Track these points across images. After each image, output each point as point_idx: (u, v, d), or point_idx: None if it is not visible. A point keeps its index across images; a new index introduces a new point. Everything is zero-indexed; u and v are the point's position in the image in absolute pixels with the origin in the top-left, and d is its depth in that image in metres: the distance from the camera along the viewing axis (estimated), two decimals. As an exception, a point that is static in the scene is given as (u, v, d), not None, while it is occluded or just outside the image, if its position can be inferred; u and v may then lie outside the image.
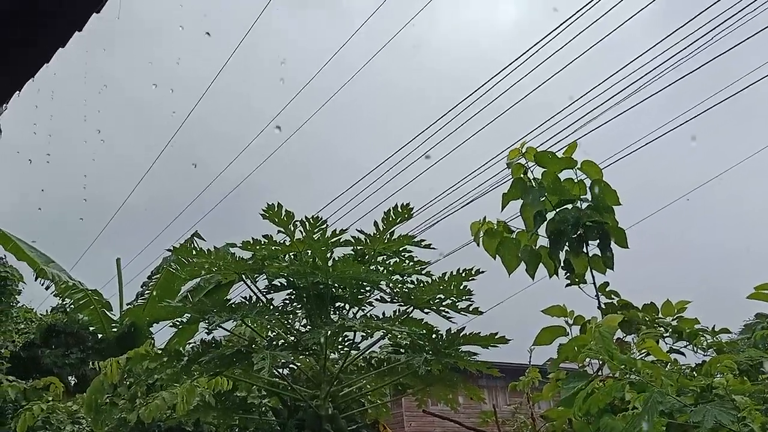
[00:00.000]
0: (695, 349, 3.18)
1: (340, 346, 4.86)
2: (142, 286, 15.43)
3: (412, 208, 4.38)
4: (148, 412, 6.13)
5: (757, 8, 8.00)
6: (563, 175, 3.15)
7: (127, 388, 6.97)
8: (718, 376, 2.60)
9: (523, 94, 10.72)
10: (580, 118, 9.86)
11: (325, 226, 4.13)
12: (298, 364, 5.35)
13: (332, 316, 4.50)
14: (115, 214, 16.89)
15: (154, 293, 14.36)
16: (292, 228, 4.12)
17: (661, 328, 3.26)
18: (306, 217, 4.06)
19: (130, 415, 6.48)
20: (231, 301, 4.42)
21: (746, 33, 8.19)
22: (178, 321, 4.67)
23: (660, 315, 3.44)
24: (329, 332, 4.29)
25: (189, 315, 4.45)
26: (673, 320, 3.35)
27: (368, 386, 5.54)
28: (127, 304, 15.42)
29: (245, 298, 4.43)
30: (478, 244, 3.66)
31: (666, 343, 3.35)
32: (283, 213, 4.06)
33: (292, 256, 4.28)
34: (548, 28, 9.81)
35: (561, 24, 9.59)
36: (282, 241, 4.25)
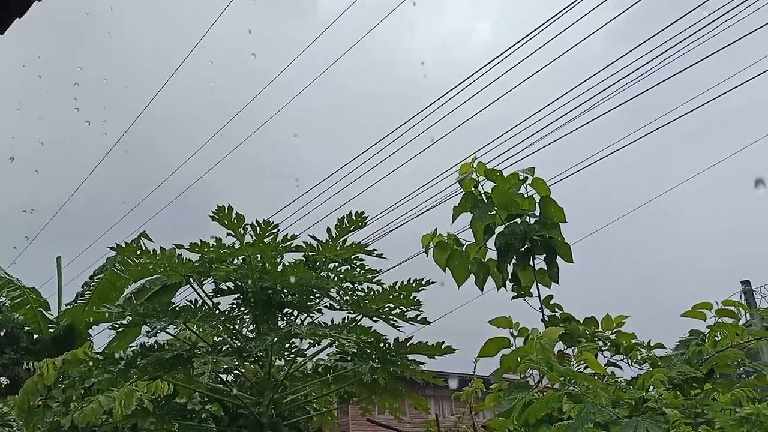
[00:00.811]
0: (631, 362, 3.28)
1: (286, 353, 4.81)
2: (83, 286, 14.90)
3: (366, 217, 4.39)
4: (82, 416, 5.91)
5: (710, 31, 8.36)
6: (518, 190, 3.22)
7: (62, 391, 6.71)
8: (652, 389, 2.70)
9: (481, 108, 10.90)
10: (533, 134, 10.11)
11: (276, 230, 4.10)
12: (242, 370, 5.26)
13: (279, 323, 4.46)
14: (59, 211, 16.30)
15: (95, 294, 13.89)
16: (243, 231, 4.07)
17: (600, 342, 3.35)
18: (257, 221, 4.02)
19: (64, 419, 6.23)
20: (175, 305, 4.32)
21: (699, 54, 8.57)
22: (118, 324, 4.52)
23: (600, 329, 3.54)
24: (275, 339, 4.24)
25: (130, 318, 4.32)
26: (611, 334, 3.45)
27: (313, 394, 5.49)
28: (66, 305, 14.85)
29: (190, 301, 4.34)
30: (428, 256, 3.70)
31: (604, 357, 3.45)
32: (234, 216, 4.01)
33: (241, 260, 4.23)
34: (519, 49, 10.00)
35: (520, 41, 9.81)
36: (231, 245, 4.19)
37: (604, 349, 3.42)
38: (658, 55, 8.96)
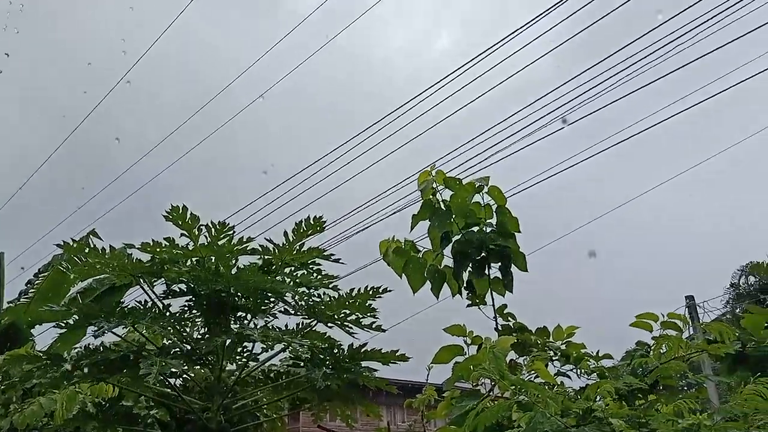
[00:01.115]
0: (580, 373, 3.35)
1: (237, 357, 4.73)
2: (27, 284, 14.34)
3: (325, 221, 4.36)
4: (22, 418, 5.67)
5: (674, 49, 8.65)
6: (472, 199, 3.25)
7: (0, 392, 6.44)
8: (599, 399, 2.76)
9: (443, 117, 11.01)
10: (497, 143, 10.25)
11: (232, 232, 4.03)
12: (192, 374, 5.15)
13: (232, 326, 4.39)
14: (3, 206, 15.67)
15: (40, 292, 13.39)
16: (197, 232, 3.99)
17: (551, 352, 3.41)
18: (212, 222, 3.95)
19: (2, 421, 5.98)
20: (124, 305, 4.20)
21: (662, 71, 8.86)
22: (63, 323, 4.36)
23: (551, 339, 3.61)
24: (227, 341, 4.17)
25: (76, 317, 4.18)
26: (562, 344, 3.52)
27: (264, 399, 5.42)
28: (8, 302, 14.27)
29: (140, 302, 4.23)
30: (388, 263, 3.70)
31: (555, 366, 3.52)
32: (188, 216, 3.93)
33: (194, 261, 4.14)
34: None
35: (485, 51, 9.94)
36: (185, 245, 4.11)
37: (554, 358, 3.48)
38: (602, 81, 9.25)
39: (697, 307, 16.45)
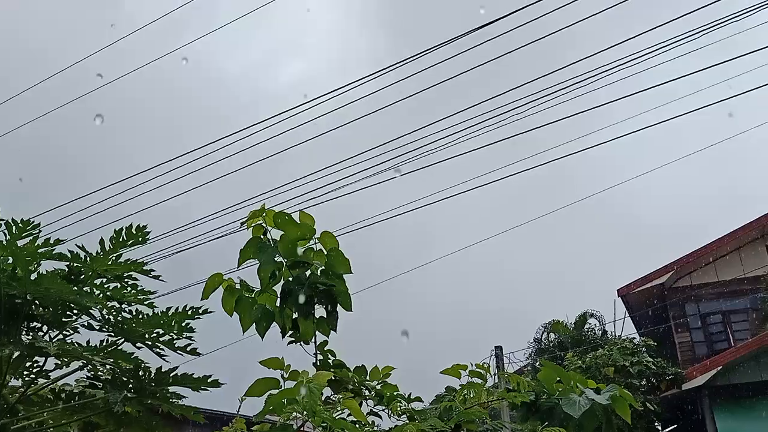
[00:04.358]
0: (391, 413, 3.43)
1: (25, 372, 4.19)
2: None
3: (149, 232, 4.06)
4: None
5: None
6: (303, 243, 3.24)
7: None
8: (405, 440, 2.83)
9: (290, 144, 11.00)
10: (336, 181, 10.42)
11: (37, 232, 3.60)
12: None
13: (24, 337, 3.89)
14: None
15: None
16: (-5, 227, 3.51)
17: (366, 391, 3.46)
18: (14, 219, 3.50)
19: None
20: None
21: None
22: None
23: (368, 378, 3.66)
24: (14, 353, 3.68)
25: None
26: (378, 384, 3.58)
27: (51, 421, 4.83)
28: None
29: None
30: (211, 298, 3.55)
31: (368, 405, 3.56)
32: (-14, 208, 3.45)
33: (-14, 260, 3.63)
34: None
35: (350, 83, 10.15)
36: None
37: (368, 397, 3.53)
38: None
39: (504, 358, 17.82)
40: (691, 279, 20.99)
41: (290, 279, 3.16)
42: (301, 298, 3.06)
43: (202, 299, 3.37)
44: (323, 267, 3.19)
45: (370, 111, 10.30)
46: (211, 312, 4.09)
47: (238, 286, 3.54)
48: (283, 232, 3.20)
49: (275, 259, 3.19)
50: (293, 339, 3.27)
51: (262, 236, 3.24)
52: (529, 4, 8.83)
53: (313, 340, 3.30)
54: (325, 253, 3.16)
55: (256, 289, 3.39)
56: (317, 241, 3.21)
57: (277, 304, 3.39)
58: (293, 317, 3.29)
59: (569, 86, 9.19)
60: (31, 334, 3.95)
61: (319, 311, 3.36)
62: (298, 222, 3.20)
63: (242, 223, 3.30)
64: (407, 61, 9.37)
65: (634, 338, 19.58)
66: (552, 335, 22.02)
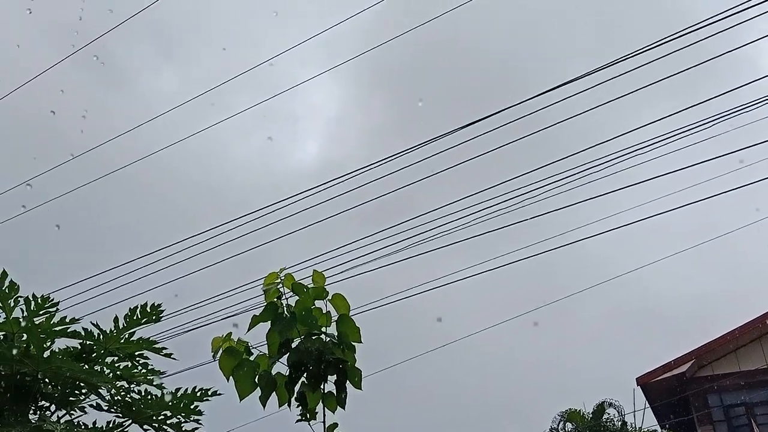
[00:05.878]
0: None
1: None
2: None
3: (163, 310, 4.10)
4: None
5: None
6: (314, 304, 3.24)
7: None
8: None
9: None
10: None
11: (55, 309, 3.66)
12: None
13: (31, 416, 3.85)
14: None
15: None
16: (13, 303, 3.58)
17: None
18: (34, 295, 3.57)
19: None
20: None
21: None
22: None
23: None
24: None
25: None
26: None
27: None
28: None
29: None
30: (214, 359, 3.48)
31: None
32: (6, 284, 3.53)
33: (1, 336, 3.67)
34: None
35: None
36: (-5, 317, 3.64)
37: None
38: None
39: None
40: (713, 368, 20.32)
41: (301, 348, 3.13)
42: (312, 370, 3.03)
43: (213, 359, 3.30)
44: (335, 337, 3.16)
45: (384, 191, 10.48)
46: (221, 394, 4.05)
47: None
48: (298, 298, 3.20)
49: (290, 328, 3.16)
50: (302, 416, 3.20)
51: (276, 300, 3.23)
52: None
53: (322, 420, 3.23)
54: (334, 318, 3.15)
55: (256, 353, 3.32)
56: (327, 303, 3.21)
57: (276, 371, 3.30)
58: (298, 388, 3.21)
59: (592, 167, 9.33)
60: (38, 413, 3.91)
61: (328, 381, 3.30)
62: (312, 285, 3.22)
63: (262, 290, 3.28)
64: (416, 147, 9.64)
65: (655, 430, 18.75)
66: (569, 425, 21.13)
